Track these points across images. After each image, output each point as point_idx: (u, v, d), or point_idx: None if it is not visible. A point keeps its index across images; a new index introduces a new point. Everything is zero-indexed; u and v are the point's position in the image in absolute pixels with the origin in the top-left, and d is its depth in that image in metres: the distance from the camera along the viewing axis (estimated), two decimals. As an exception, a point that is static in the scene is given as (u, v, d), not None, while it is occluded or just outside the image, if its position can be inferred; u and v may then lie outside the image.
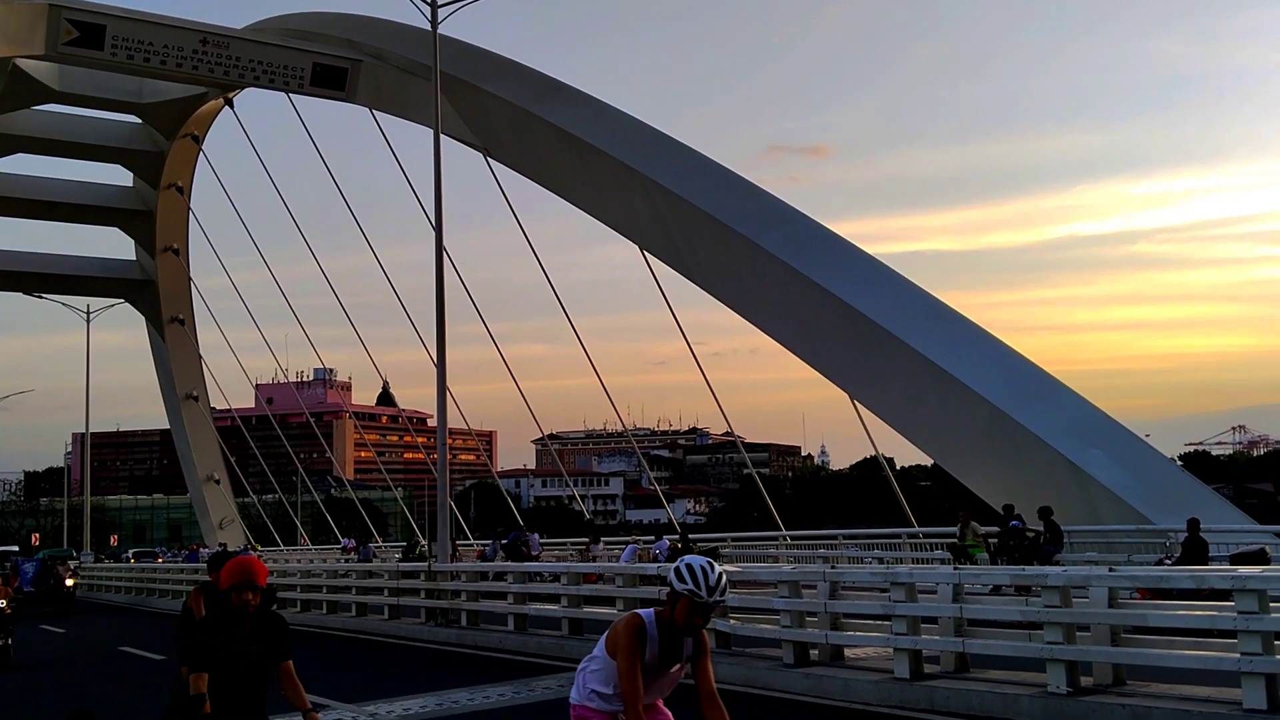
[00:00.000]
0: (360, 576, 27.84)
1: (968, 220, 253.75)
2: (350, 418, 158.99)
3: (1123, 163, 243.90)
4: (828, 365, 28.03)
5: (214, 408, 63.80)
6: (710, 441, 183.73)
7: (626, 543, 33.35)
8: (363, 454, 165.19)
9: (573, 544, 34.60)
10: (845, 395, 27.61)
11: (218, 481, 62.39)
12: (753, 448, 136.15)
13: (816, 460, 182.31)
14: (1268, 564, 16.32)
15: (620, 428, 70.10)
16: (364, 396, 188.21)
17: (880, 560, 28.29)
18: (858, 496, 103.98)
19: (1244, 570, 11.74)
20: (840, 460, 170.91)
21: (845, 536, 32.91)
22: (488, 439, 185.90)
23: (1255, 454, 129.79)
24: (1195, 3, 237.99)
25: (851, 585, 14.87)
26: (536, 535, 35.09)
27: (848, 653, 14.58)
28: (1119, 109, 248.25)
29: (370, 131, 40.18)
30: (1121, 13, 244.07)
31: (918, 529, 30.12)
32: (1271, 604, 10.11)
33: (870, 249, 28.45)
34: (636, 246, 31.94)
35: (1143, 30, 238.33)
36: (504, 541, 31.09)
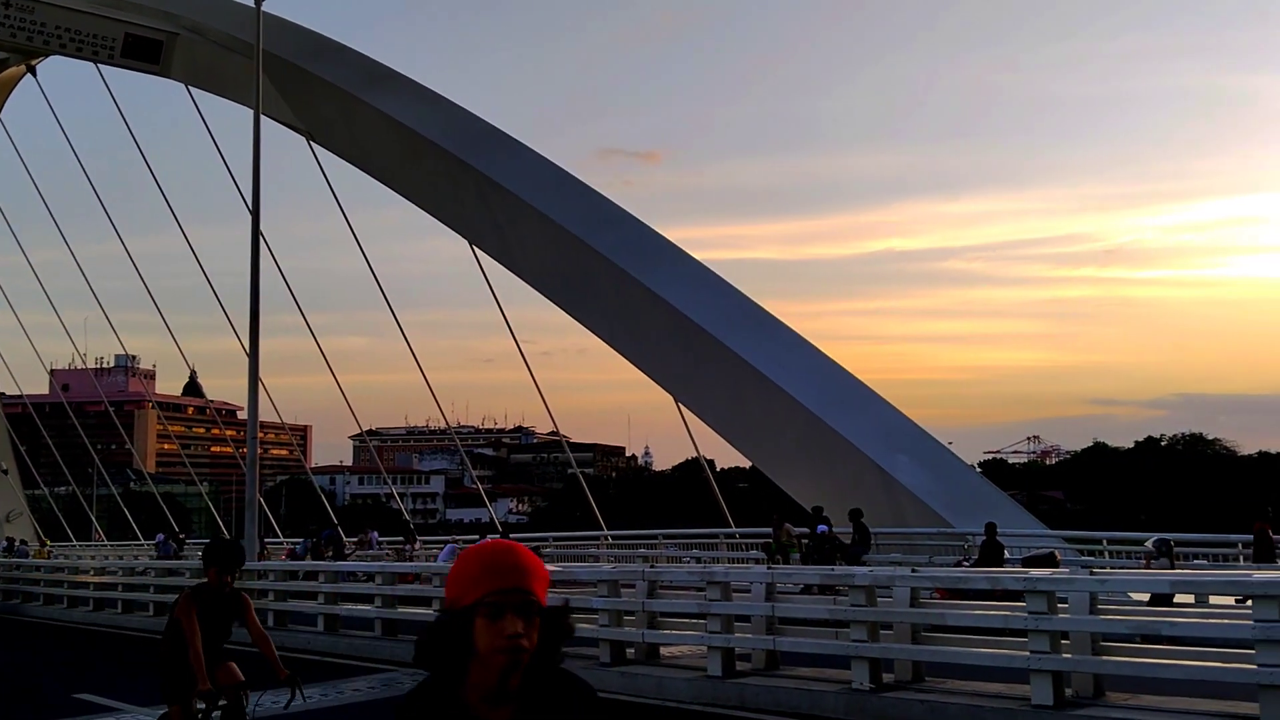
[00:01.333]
0: (160, 575, 26.50)
1: (791, 231, 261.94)
2: (153, 407, 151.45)
3: (936, 182, 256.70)
4: (654, 368, 28.32)
5: (3, 393, 59.69)
6: (536, 441, 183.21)
7: (445, 542, 32.87)
8: (166, 446, 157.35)
9: (389, 543, 33.85)
10: (670, 398, 27.94)
11: (5, 471, 58.28)
12: (578, 447, 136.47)
13: (640, 461, 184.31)
14: (1057, 567, 17.32)
15: (443, 425, 69.09)
16: (169, 386, 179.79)
17: (698, 560, 28.77)
18: (679, 497, 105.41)
19: (1035, 573, 12.42)
20: (663, 461, 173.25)
21: (665, 536, 33.29)
22: (302, 434, 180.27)
23: (1047, 463, 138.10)
24: (1007, 33, 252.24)
25: (669, 584, 15.02)
26: (375, 533, 34.16)
27: (664, 651, 14.71)
28: (934, 131, 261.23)
29: (188, 109, 38.27)
30: (940, 40, 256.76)
31: (735, 529, 30.76)
32: (1059, 605, 10.71)
33: (698, 255, 28.96)
34: (466, 241, 31.52)
35: (957, 57, 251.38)
36: (318, 540, 30.17)
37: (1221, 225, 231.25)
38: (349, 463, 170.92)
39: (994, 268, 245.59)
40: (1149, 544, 20.00)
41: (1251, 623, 9.60)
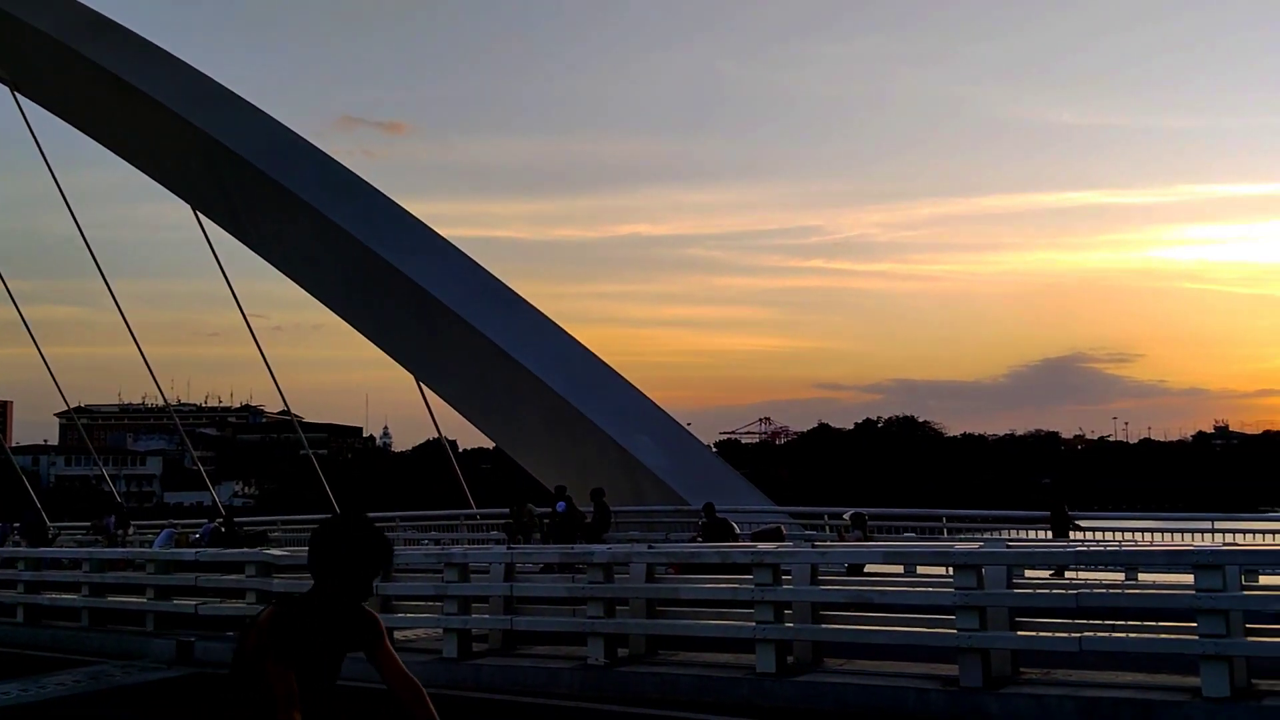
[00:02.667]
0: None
1: (540, 211, 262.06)
2: None
3: (682, 171, 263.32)
4: (394, 345, 27.69)
5: None
6: (265, 420, 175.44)
7: (162, 527, 30.90)
8: None
9: (78, 527, 31.26)
10: (411, 376, 27.41)
11: None
12: (311, 428, 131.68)
13: (379, 442, 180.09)
14: (782, 540, 18.18)
15: (161, 403, 65.00)
16: None
17: (437, 542, 28.37)
18: (420, 479, 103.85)
19: (762, 546, 12.97)
20: (403, 442, 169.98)
21: (404, 519, 32.71)
22: (2, 409, 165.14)
23: (778, 443, 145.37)
24: (752, 29, 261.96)
25: (406, 567, 14.70)
26: (113, 518, 31.21)
27: (398, 635, 14.37)
28: (682, 121, 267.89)
29: None
30: (690, 31, 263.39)
31: (476, 511, 30.57)
32: (784, 577, 11.22)
33: (445, 232, 28.50)
34: (189, 206, 29.66)
35: (706, 49, 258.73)
36: (16, 525, 27.70)
37: (936, 223, 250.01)
38: (55, 441, 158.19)
39: (732, 256, 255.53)
40: (845, 517, 21.42)
41: (953, 590, 10.39)
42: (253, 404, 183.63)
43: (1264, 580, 12.97)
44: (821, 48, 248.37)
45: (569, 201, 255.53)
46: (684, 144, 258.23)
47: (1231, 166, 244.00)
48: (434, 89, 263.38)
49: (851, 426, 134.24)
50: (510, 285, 27.52)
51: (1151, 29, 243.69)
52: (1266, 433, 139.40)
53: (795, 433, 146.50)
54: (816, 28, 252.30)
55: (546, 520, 24.03)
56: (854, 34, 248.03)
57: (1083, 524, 22.15)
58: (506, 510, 25.82)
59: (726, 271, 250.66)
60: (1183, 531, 22.04)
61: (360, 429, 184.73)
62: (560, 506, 22.90)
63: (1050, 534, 20.88)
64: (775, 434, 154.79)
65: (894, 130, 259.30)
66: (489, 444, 45.73)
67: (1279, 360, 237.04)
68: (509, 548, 16.63)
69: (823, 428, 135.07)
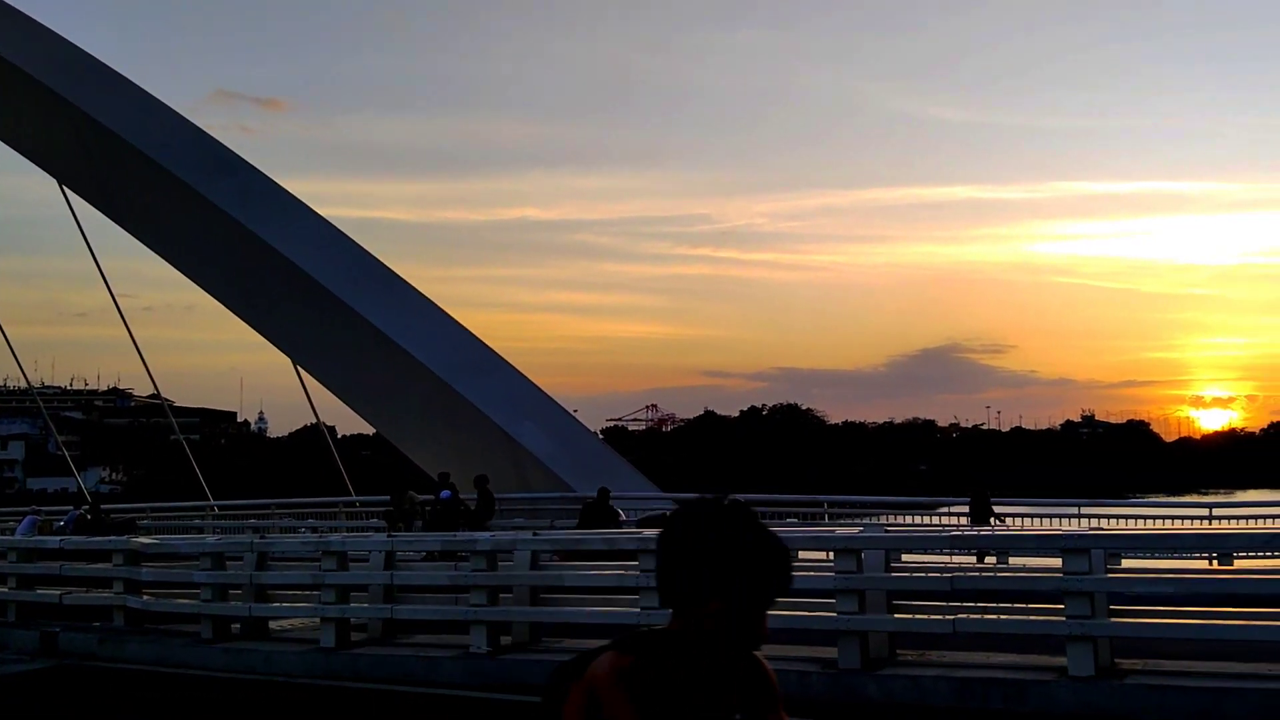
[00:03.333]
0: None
1: (426, 193, 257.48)
2: None
3: (572, 155, 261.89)
4: (271, 328, 26.96)
5: None
6: (133, 404, 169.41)
7: (25, 514, 29.52)
8: None
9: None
10: (288, 360, 26.75)
11: None
12: (182, 412, 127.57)
13: (254, 427, 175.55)
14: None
15: (24, 385, 62.17)
16: None
17: (314, 530, 27.78)
18: (297, 465, 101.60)
19: (648, 532, 12.97)
20: (280, 428, 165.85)
21: (279, 506, 32.02)
22: None
23: (665, 430, 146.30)
24: (650, 17, 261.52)
25: (282, 556, 14.34)
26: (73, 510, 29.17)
27: (274, 625, 14.04)
28: (573, 104, 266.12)
29: None
30: (585, 16, 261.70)
31: (355, 498, 30.07)
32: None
33: (325, 211, 27.78)
34: (55, 180, 28.32)
35: (598, 33, 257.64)
36: None
37: (822, 214, 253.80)
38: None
39: (621, 243, 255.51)
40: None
41: (833, 574, 10.56)
42: (121, 387, 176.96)
43: (1126, 563, 13.50)
44: (717, 39, 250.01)
45: (456, 183, 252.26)
46: (575, 128, 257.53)
47: (1102, 166, 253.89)
48: (316, 65, 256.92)
49: (737, 414, 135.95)
50: (393, 267, 27.01)
51: (1031, 34, 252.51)
52: (1130, 422, 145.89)
53: (682, 420, 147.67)
54: (713, 20, 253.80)
55: (429, 508, 23.69)
56: (749, 27, 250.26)
57: (998, 510, 22.24)
58: (387, 498, 25.41)
59: (615, 258, 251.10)
60: (1052, 517, 22.85)
61: (234, 414, 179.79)
62: (444, 494, 22.61)
63: (970, 520, 20.91)
64: (662, 421, 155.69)
65: (784, 123, 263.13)
66: (369, 430, 44.93)
67: (1142, 353, 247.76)
68: (390, 536, 16.34)
69: (709, 415, 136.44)
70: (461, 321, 26.77)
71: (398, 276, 26.87)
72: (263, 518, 30.66)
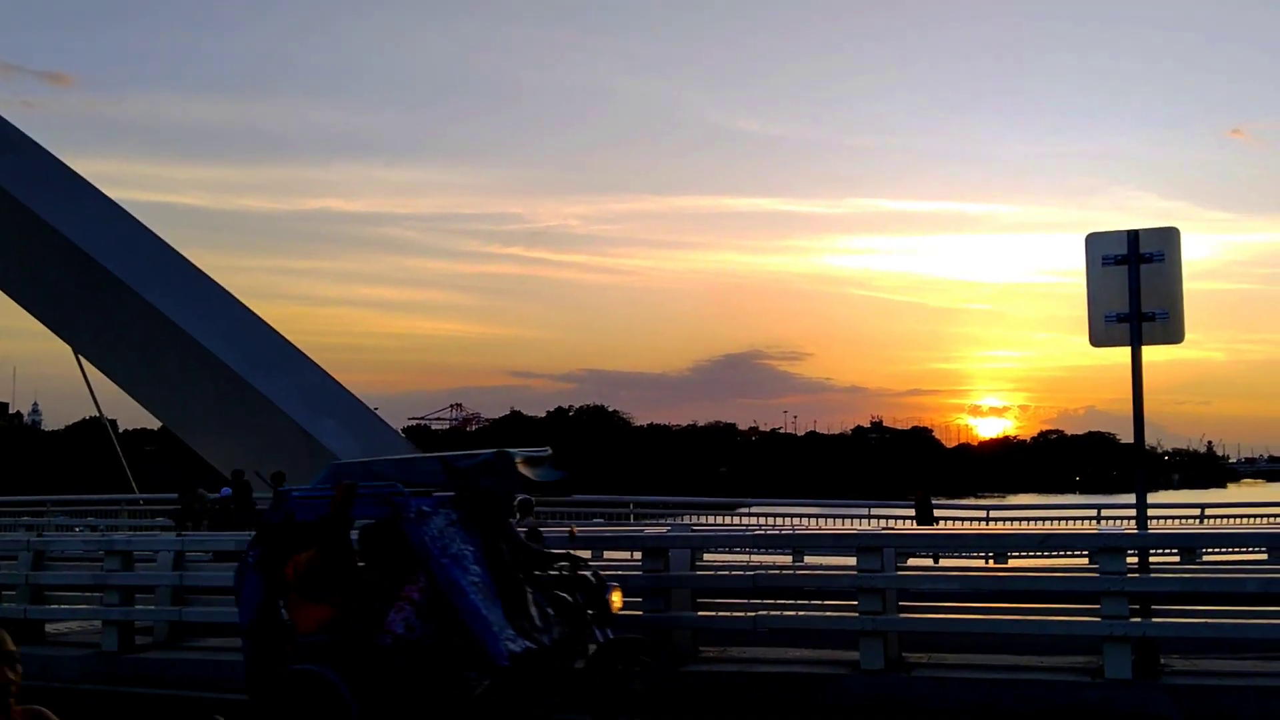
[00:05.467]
0: None
1: (223, 178, 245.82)
2: None
3: (378, 147, 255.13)
4: (51, 315, 25.46)
5: None
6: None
7: None
8: None
9: None
10: (68, 349, 25.28)
11: None
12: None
13: (27, 419, 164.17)
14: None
15: None
16: None
17: (94, 528, 26.29)
18: (75, 460, 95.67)
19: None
20: (56, 420, 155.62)
21: (55, 503, 30.26)
22: None
23: (469, 429, 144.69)
24: (465, 9, 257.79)
25: (61, 555, 13.54)
26: None
27: (51, 628, 13.26)
28: (380, 94, 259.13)
29: None
30: (402, 4, 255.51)
31: (139, 495, 28.72)
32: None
33: (115, 194, 26.28)
34: None
35: (416, 25, 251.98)
36: None
37: (631, 219, 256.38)
38: None
39: (428, 238, 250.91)
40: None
41: (641, 573, 10.73)
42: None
43: (913, 562, 14.24)
44: (537, 38, 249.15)
45: (255, 170, 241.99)
46: (386, 120, 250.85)
47: (895, 184, 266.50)
48: (105, 38, 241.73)
49: (544, 415, 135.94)
50: (187, 255, 25.80)
51: (832, 53, 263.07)
52: (914, 428, 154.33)
53: (487, 420, 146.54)
54: (534, 19, 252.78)
55: (216, 506, 22.81)
56: (570, 29, 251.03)
57: (940, 515, 22.75)
58: (175, 496, 24.33)
59: (422, 253, 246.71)
60: (844, 517, 23.88)
61: (6, 404, 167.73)
62: (225, 491, 21.85)
63: (916, 523, 21.34)
64: (467, 420, 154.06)
65: (599, 126, 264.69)
66: (155, 424, 42.80)
67: (928, 363, 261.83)
68: (179, 535, 15.61)
69: (515, 415, 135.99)
70: (259, 314, 25.86)
71: (192, 264, 25.72)
72: (37, 515, 28.85)
